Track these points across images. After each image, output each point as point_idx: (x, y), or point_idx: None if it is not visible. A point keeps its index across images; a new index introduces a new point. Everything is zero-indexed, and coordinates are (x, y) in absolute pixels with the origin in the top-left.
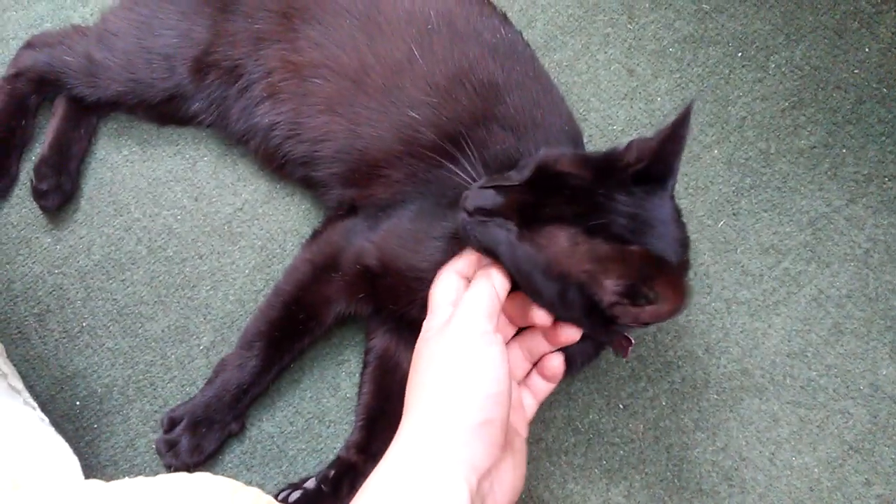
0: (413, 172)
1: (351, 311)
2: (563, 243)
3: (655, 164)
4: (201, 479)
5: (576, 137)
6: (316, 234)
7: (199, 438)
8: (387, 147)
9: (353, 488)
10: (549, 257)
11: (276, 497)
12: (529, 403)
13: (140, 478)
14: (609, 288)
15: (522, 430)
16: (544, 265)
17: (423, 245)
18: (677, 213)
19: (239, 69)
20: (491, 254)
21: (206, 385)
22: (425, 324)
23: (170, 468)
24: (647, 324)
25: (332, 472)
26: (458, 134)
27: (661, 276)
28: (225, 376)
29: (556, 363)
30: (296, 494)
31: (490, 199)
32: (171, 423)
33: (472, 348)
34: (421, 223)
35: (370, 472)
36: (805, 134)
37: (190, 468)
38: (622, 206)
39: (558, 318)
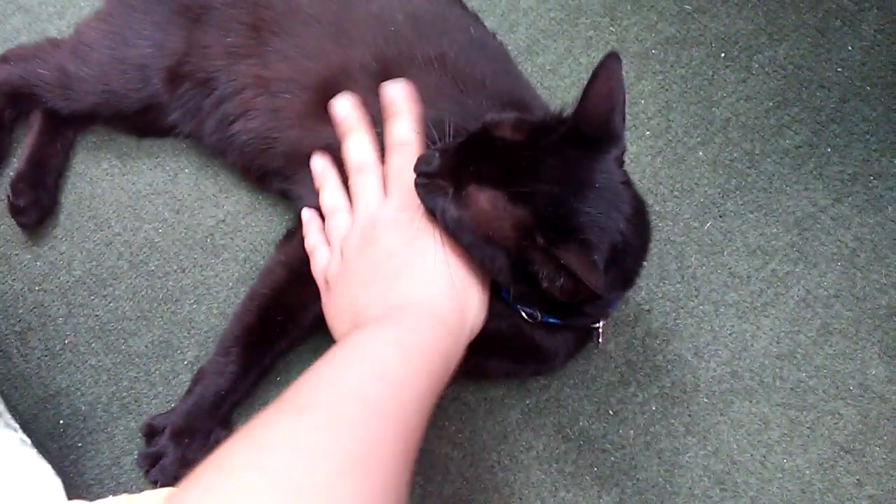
0: None
1: None
2: (483, 205)
3: (585, 124)
4: None
5: None
6: (290, 235)
7: (184, 449)
8: None
9: None
10: (473, 219)
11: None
12: None
13: (123, 495)
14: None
15: None
16: (469, 226)
17: None
18: (626, 184)
19: (212, 82)
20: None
21: (186, 395)
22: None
23: (156, 484)
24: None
25: None
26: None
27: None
28: (204, 383)
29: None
30: None
31: (432, 161)
32: (151, 431)
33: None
34: None
35: None
36: (790, 134)
37: (178, 482)
38: (550, 169)
39: (497, 283)
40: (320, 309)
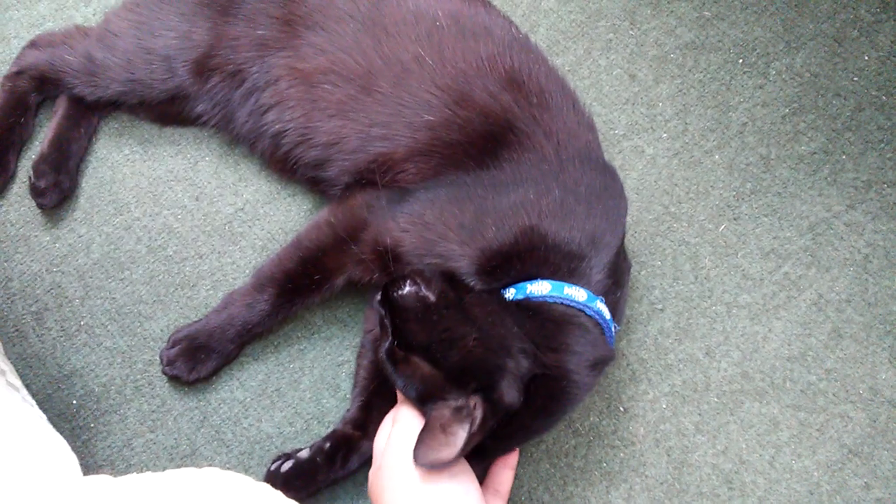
0: (432, 165)
1: (365, 281)
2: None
3: None
4: (212, 474)
5: (592, 127)
6: (344, 196)
7: (195, 362)
8: (405, 144)
9: (348, 462)
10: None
11: (268, 468)
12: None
13: (148, 473)
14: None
15: None
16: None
17: (449, 233)
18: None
19: (242, 73)
20: None
21: (213, 313)
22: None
23: (166, 375)
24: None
25: (328, 445)
26: (481, 132)
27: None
28: (232, 310)
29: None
30: (288, 464)
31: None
32: (174, 345)
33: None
34: (447, 209)
35: (366, 448)
36: (805, 140)
37: (187, 383)
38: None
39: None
40: (355, 274)
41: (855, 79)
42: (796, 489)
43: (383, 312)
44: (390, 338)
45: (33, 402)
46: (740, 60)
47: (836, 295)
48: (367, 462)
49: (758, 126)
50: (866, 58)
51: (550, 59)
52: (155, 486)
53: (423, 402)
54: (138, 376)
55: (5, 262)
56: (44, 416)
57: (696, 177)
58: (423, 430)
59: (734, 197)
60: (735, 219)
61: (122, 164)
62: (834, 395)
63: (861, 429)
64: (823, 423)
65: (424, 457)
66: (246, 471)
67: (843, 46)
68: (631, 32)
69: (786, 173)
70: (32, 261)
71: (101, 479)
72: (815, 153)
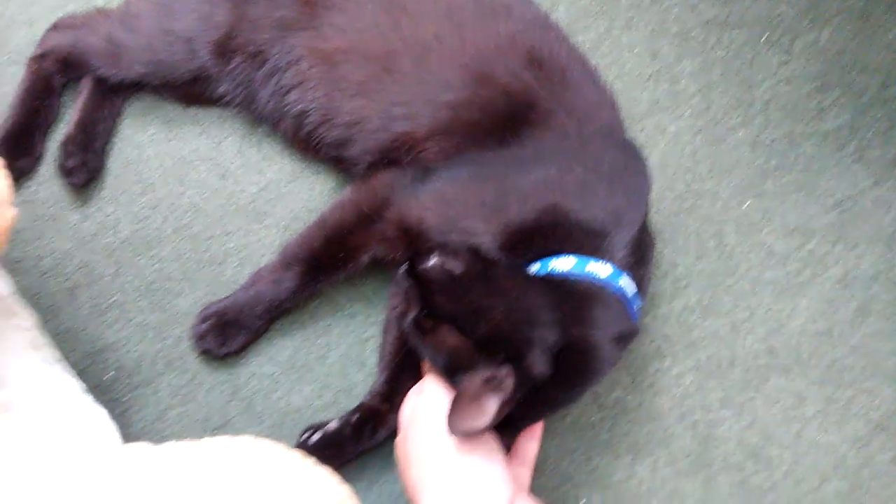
0: (454, 143)
1: (389, 259)
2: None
3: None
4: (247, 442)
5: (614, 104)
6: (364, 177)
7: (225, 337)
8: (426, 123)
9: (375, 434)
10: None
11: (297, 439)
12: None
13: (186, 441)
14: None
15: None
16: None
17: (471, 210)
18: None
19: (264, 54)
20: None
21: (241, 290)
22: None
23: (197, 350)
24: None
25: (356, 417)
26: (502, 110)
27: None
28: (260, 287)
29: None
30: (317, 436)
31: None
32: (204, 320)
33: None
34: (469, 186)
35: (392, 421)
36: (830, 117)
37: (217, 357)
38: None
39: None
40: (379, 252)
41: (881, 54)
42: (823, 462)
43: (410, 284)
44: (418, 308)
45: (73, 374)
46: (764, 37)
47: (863, 271)
48: (394, 434)
49: (782, 103)
50: (892, 33)
51: (571, 36)
52: (193, 452)
53: (451, 373)
54: (170, 350)
55: (37, 240)
56: (84, 387)
57: (719, 154)
58: (454, 400)
59: (758, 174)
60: (759, 195)
61: (147, 144)
62: (861, 370)
63: (888, 405)
64: (850, 398)
65: (457, 426)
66: (277, 441)
67: (868, 22)
68: (653, 9)
69: (811, 150)
70: (63, 239)
71: (142, 446)
72: (840, 129)
